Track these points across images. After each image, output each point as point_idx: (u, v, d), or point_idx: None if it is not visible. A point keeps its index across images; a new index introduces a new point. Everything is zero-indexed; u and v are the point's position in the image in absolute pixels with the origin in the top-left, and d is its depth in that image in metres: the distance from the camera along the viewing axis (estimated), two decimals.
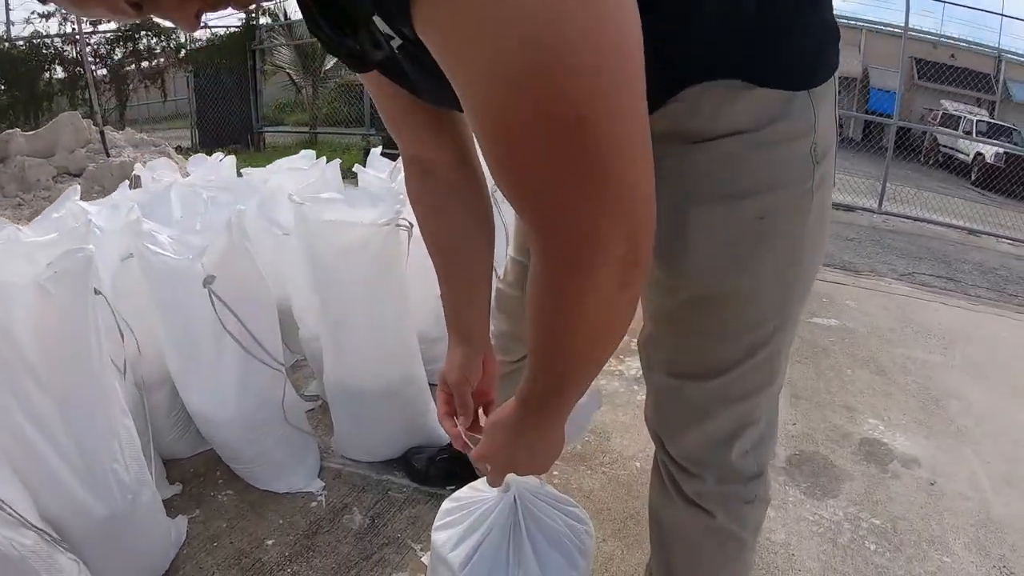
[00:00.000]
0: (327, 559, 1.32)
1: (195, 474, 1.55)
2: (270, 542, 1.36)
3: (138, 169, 2.34)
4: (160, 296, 1.32)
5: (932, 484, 1.75)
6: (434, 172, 0.83)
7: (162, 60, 9.77)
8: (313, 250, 1.38)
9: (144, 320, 1.38)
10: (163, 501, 1.39)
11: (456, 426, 0.88)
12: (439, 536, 0.96)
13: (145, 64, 9.64)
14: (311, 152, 2.40)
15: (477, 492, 1.00)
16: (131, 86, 9.71)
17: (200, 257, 1.25)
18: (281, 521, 1.42)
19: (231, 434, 1.41)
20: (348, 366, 1.47)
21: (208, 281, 1.25)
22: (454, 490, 1.54)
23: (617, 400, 2.00)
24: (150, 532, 1.26)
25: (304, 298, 1.64)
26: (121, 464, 1.18)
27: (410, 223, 1.39)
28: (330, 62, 9.92)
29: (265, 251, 1.59)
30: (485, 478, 1.01)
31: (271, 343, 1.37)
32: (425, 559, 1.33)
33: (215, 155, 2.34)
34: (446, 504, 1.00)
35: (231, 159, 2.29)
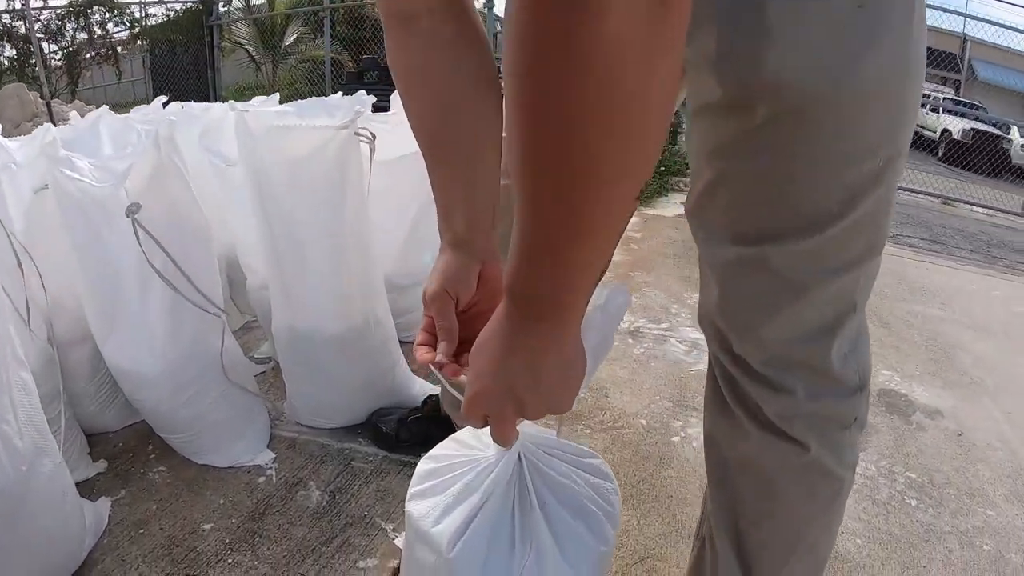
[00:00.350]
0: (277, 546, 1.09)
1: (123, 449, 1.31)
2: (208, 526, 1.12)
3: (74, 118, 2.04)
4: (77, 230, 1.10)
5: (959, 435, 1.65)
6: (420, 26, 0.63)
7: (114, 37, 9.44)
8: (257, 165, 1.12)
9: (61, 264, 1.15)
10: (84, 482, 1.18)
11: (423, 355, 0.64)
12: (417, 507, 0.72)
13: (100, 46, 9.28)
14: (263, 97, 2.13)
15: (463, 448, 0.77)
16: (83, 63, 9.37)
17: (123, 182, 1.02)
18: (222, 501, 1.18)
19: (160, 394, 1.16)
20: (300, 306, 1.22)
21: (132, 210, 1.03)
22: None
23: (611, 354, 1.78)
24: (54, 515, 1.02)
25: (251, 238, 1.39)
26: (12, 426, 0.94)
27: (372, 134, 1.14)
28: (290, 37, 9.57)
29: (207, 188, 1.34)
30: (469, 429, 0.79)
31: (206, 282, 1.13)
32: (399, 541, 1.09)
33: (158, 98, 2.04)
34: (423, 465, 0.77)
35: (177, 104, 1.99)
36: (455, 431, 1.22)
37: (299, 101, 1.28)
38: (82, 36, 9.27)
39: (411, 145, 1.55)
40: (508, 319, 0.47)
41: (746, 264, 0.62)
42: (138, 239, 1.04)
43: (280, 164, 1.09)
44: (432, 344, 0.64)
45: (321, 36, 8.59)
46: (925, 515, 1.31)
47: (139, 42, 9.28)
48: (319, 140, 1.06)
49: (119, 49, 9.56)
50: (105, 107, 1.49)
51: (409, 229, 1.50)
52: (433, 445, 1.29)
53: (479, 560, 0.67)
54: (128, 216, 1.03)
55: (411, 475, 1.27)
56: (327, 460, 1.30)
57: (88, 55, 9.27)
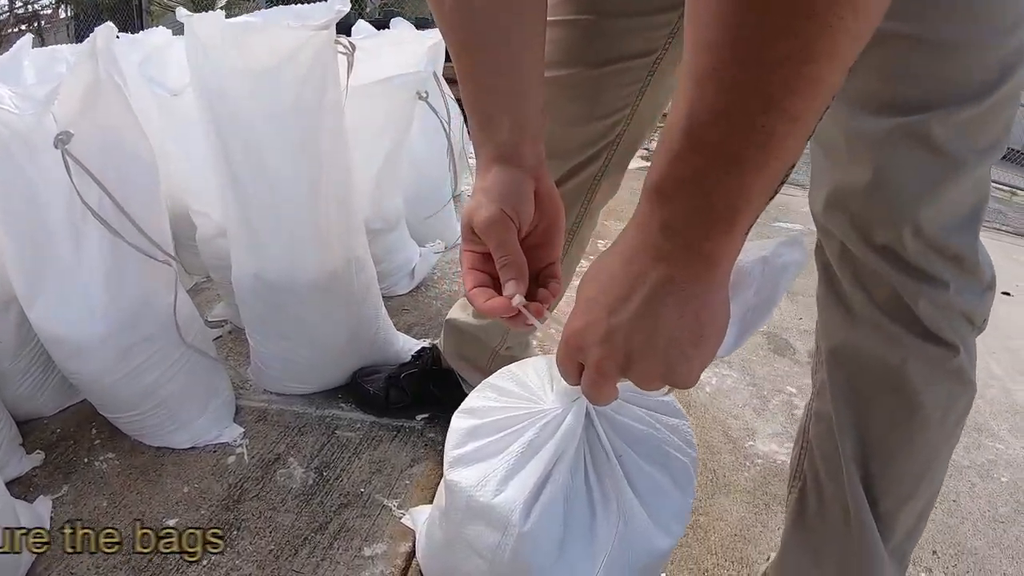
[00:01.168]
0: (260, 538, 0.92)
1: (62, 437, 1.11)
2: (172, 522, 0.94)
3: None
4: None
5: None
6: None
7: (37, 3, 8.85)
8: (212, 80, 0.92)
9: None
10: (18, 479, 1.01)
11: (491, 300, 0.50)
12: (465, 475, 0.58)
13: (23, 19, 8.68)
14: None
15: (507, 397, 0.62)
16: (3, 36, 8.75)
17: (50, 106, 0.83)
18: (187, 489, 1.00)
19: (102, 365, 0.96)
20: (267, 250, 1.03)
21: (62, 139, 0.84)
22: (428, 419, 1.14)
23: None
24: None
25: (201, 181, 1.18)
26: None
27: (351, 44, 0.96)
28: None
29: (149, 124, 1.12)
30: (507, 371, 0.66)
31: (153, 224, 0.94)
32: (407, 520, 0.95)
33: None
34: (461, 422, 0.62)
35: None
36: (459, 386, 1.08)
37: (263, 10, 1.08)
38: (2, 3, 8.64)
39: (383, 71, 1.35)
40: (641, 230, 0.36)
41: (907, 135, 0.56)
42: (69, 174, 0.85)
43: (241, 76, 0.89)
44: (491, 285, 0.51)
45: None
46: None
47: (63, 12, 8.66)
48: (291, 44, 0.87)
49: (42, 23, 8.97)
50: (29, 36, 1.25)
51: (382, 167, 1.31)
52: (430, 405, 1.15)
53: (557, 533, 0.53)
54: (57, 147, 0.84)
55: (408, 442, 1.10)
56: (306, 431, 1.13)
57: (11, 29, 8.64)
